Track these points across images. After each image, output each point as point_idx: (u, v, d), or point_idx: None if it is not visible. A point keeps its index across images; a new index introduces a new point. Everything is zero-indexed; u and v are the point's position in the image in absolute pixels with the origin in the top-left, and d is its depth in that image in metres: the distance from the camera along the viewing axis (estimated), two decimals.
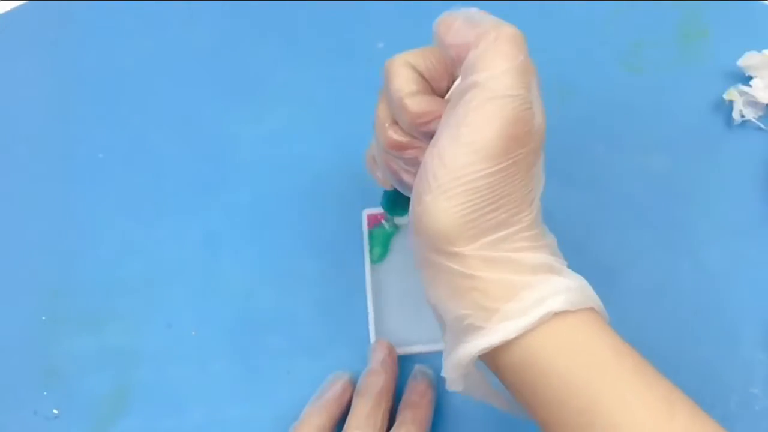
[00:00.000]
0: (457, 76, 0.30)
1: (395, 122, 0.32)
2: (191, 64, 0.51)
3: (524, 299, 0.27)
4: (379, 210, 0.45)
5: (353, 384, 0.40)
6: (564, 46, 0.49)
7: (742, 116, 0.45)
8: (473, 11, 0.29)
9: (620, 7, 0.49)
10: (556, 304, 0.27)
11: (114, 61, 0.51)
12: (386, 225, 0.44)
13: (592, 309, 0.28)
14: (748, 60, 0.45)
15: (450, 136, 0.27)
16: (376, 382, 0.38)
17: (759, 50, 0.45)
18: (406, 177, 0.33)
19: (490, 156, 0.27)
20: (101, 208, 0.47)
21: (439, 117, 0.30)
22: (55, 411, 0.43)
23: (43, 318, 0.45)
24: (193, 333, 0.44)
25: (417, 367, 0.41)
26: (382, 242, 0.44)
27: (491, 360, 0.29)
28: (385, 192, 0.39)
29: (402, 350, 0.42)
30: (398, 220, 0.43)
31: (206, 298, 0.44)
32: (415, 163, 0.31)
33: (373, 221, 0.44)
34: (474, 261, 0.28)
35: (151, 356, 0.43)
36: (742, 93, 0.45)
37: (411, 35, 0.50)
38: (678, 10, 0.49)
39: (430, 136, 0.30)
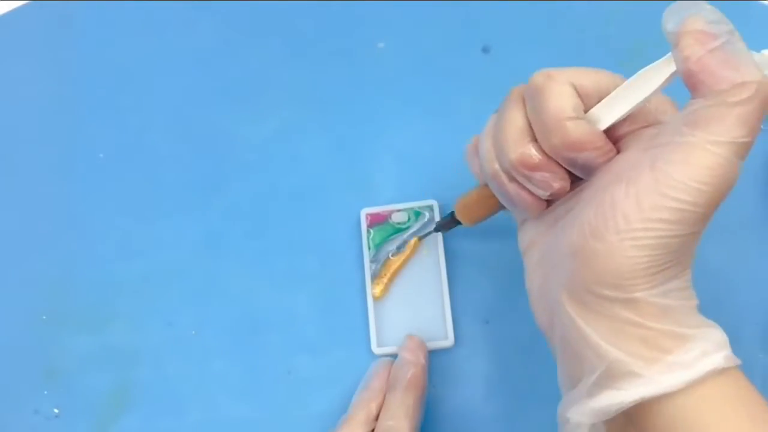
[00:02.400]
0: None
1: (534, 139, 0.30)
2: (191, 64, 0.51)
3: (689, 352, 0.27)
4: (377, 209, 0.45)
5: None
6: (563, 46, 0.49)
7: None
8: (735, 42, 0.25)
9: (620, 6, 0.49)
10: (720, 359, 0.27)
11: (114, 61, 0.51)
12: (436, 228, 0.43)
13: (739, 365, 0.28)
14: None
15: (655, 185, 0.26)
16: (404, 373, 0.39)
17: (758, 50, 0.45)
18: (510, 187, 0.32)
19: (692, 220, 0.26)
20: (101, 208, 0.47)
21: (596, 147, 0.29)
22: (56, 410, 0.43)
23: (44, 317, 0.45)
24: (193, 332, 0.44)
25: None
26: (381, 241, 0.44)
27: (627, 417, 0.28)
28: (468, 197, 0.38)
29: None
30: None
31: (206, 297, 0.44)
32: (542, 187, 0.31)
33: (372, 220, 0.44)
34: (644, 309, 0.27)
35: (151, 355, 0.43)
36: None
37: (411, 35, 0.50)
38: None
39: (572, 164, 0.29)
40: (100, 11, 0.53)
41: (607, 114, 0.30)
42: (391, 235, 0.44)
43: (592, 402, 0.28)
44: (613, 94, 0.30)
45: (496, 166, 0.32)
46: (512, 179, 0.32)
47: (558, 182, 0.30)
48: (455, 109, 0.48)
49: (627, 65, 0.48)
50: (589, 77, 0.30)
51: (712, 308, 0.42)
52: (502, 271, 0.43)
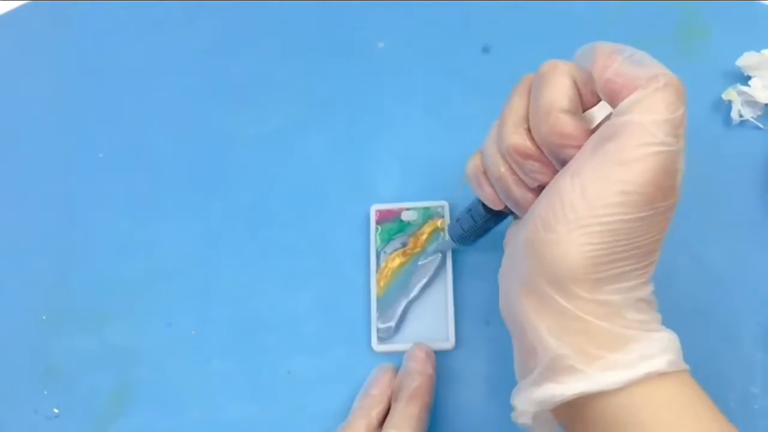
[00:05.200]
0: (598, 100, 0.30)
1: (529, 128, 0.31)
2: (191, 64, 0.51)
3: (631, 352, 0.27)
4: (388, 206, 0.45)
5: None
6: (564, 46, 0.49)
7: (741, 116, 0.45)
8: (638, 53, 0.28)
9: (620, 6, 0.49)
10: (662, 363, 0.27)
11: (114, 61, 0.51)
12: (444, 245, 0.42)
13: (686, 371, 0.28)
14: (747, 60, 0.45)
15: (597, 171, 0.26)
16: (409, 383, 0.39)
17: (758, 50, 0.45)
18: (517, 190, 0.32)
19: (637, 202, 0.26)
20: (101, 208, 0.47)
21: (579, 146, 0.29)
22: (56, 410, 0.43)
23: (44, 317, 0.45)
24: (193, 332, 0.44)
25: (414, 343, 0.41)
26: (388, 238, 0.44)
27: (571, 408, 0.28)
28: (463, 219, 0.38)
29: (403, 347, 0.42)
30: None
31: (206, 297, 0.44)
32: (530, 178, 0.31)
33: (381, 217, 0.44)
34: (590, 306, 0.27)
35: (151, 355, 0.43)
36: (741, 93, 0.45)
37: (411, 35, 0.50)
38: (678, 9, 0.49)
39: (556, 157, 0.30)
40: (100, 11, 0.53)
41: (601, 115, 0.30)
42: (398, 232, 0.44)
43: (535, 392, 0.29)
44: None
45: (502, 169, 0.32)
46: (517, 182, 0.32)
47: (545, 176, 0.31)
48: (455, 109, 0.48)
49: None
50: (589, 74, 0.30)
51: (712, 308, 0.42)
52: None
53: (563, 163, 0.30)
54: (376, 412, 0.38)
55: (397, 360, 0.42)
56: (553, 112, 0.29)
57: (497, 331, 0.42)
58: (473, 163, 0.35)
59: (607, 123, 0.28)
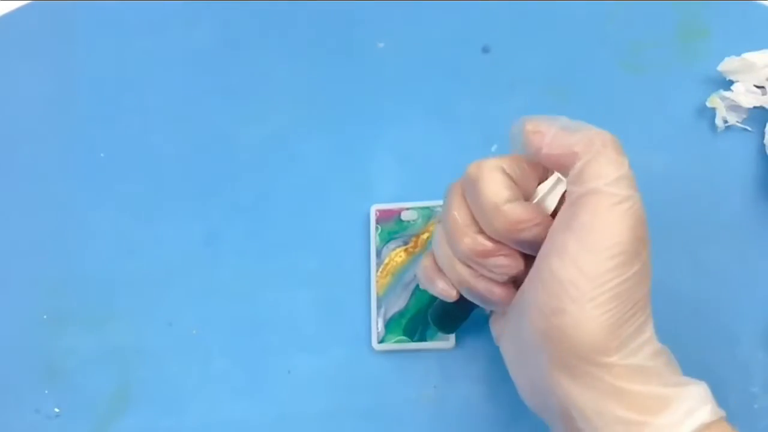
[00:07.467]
0: (541, 180, 0.32)
1: (479, 230, 0.32)
2: (191, 64, 0.51)
3: (675, 412, 0.27)
4: (388, 205, 0.45)
5: None
6: (563, 46, 0.49)
7: (726, 122, 0.45)
8: (565, 120, 0.30)
9: (620, 7, 0.49)
10: (705, 415, 0.27)
11: (114, 61, 0.51)
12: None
13: (724, 417, 0.28)
14: (728, 65, 0.45)
15: (581, 243, 0.28)
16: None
17: (758, 50, 0.45)
18: (480, 284, 0.32)
19: (628, 260, 0.27)
20: (102, 208, 0.47)
21: (537, 224, 0.30)
22: (57, 409, 0.43)
23: (45, 317, 0.45)
24: (193, 332, 0.44)
25: None
26: (388, 238, 0.44)
27: None
28: (438, 307, 0.38)
29: (403, 347, 0.42)
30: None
31: (207, 297, 0.45)
32: (498, 273, 0.32)
33: (381, 216, 0.44)
34: (622, 371, 0.28)
35: (151, 355, 0.43)
36: (724, 99, 0.45)
37: (411, 35, 0.51)
38: (678, 9, 0.49)
39: (521, 242, 0.30)
40: (100, 11, 0.53)
41: (548, 194, 0.32)
42: (398, 232, 0.44)
43: None
44: (552, 177, 0.32)
45: (458, 268, 0.33)
46: (478, 276, 0.33)
47: (513, 265, 0.32)
48: (455, 109, 0.48)
49: (627, 65, 0.49)
50: (514, 162, 0.32)
51: (712, 308, 0.42)
52: None
53: (530, 246, 0.31)
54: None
55: (396, 360, 0.42)
56: (499, 206, 0.30)
57: None
58: (425, 265, 0.36)
59: (570, 198, 0.29)
